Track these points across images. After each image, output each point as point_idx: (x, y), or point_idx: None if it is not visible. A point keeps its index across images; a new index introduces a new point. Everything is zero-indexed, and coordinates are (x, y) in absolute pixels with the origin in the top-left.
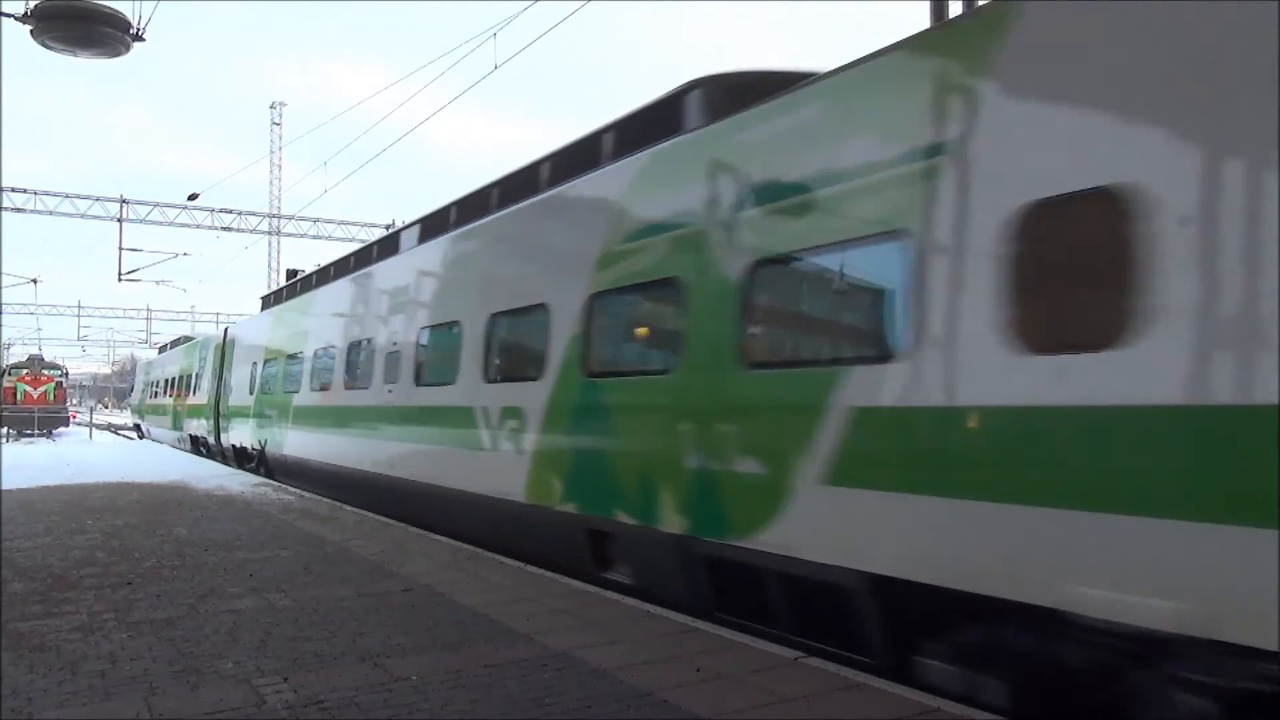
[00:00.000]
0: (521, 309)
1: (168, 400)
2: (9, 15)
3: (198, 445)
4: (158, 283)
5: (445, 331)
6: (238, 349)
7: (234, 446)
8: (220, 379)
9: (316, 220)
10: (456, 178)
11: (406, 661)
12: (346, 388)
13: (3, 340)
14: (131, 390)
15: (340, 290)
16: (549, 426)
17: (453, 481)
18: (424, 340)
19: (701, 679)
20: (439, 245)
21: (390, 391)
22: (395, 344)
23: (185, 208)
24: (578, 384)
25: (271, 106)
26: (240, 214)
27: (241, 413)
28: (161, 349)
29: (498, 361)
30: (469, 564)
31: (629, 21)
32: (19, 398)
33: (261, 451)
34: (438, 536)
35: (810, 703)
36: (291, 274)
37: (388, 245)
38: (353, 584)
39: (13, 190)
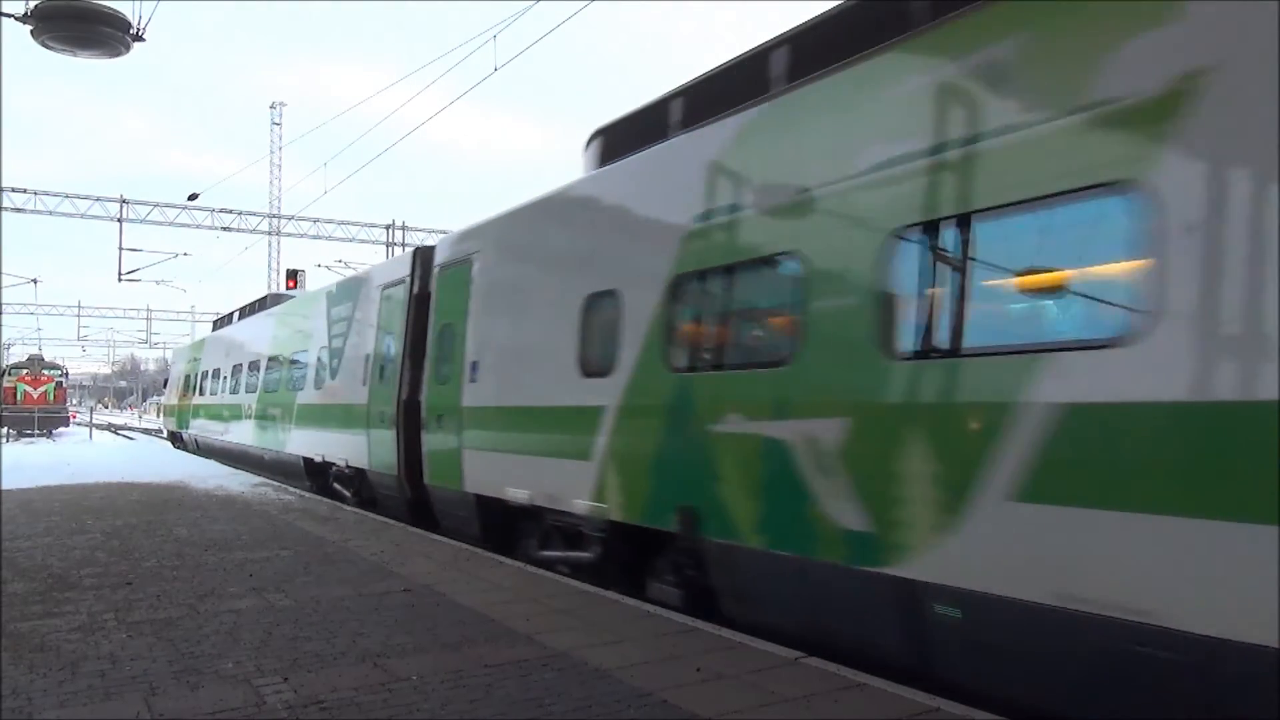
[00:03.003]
0: None
1: (243, 397)
2: (9, 15)
3: (322, 478)
4: (158, 283)
5: None
6: (496, 279)
7: (479, 497)
8: (408, 354)
9: (316, 220)
10: (457, 178)
11: (406, 661)
12: None
13: (3, 340)
14: (162, 386)
15: None
16: None
17: None
18: None
19: (701, 679)
20: None
21: None
22: None
23: (185, 208)
24: None
25: (271, 107)
26: (240, 214)
27: (530, 422)
28: (217, 323)
29: None
30: (469, 564)
31: (629, 23)
32: (19, 398)
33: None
34: (437, 537)
35: (810, 703)
36: (292, 274)
37: None
38: (353, 584)
39: (13, 190)
